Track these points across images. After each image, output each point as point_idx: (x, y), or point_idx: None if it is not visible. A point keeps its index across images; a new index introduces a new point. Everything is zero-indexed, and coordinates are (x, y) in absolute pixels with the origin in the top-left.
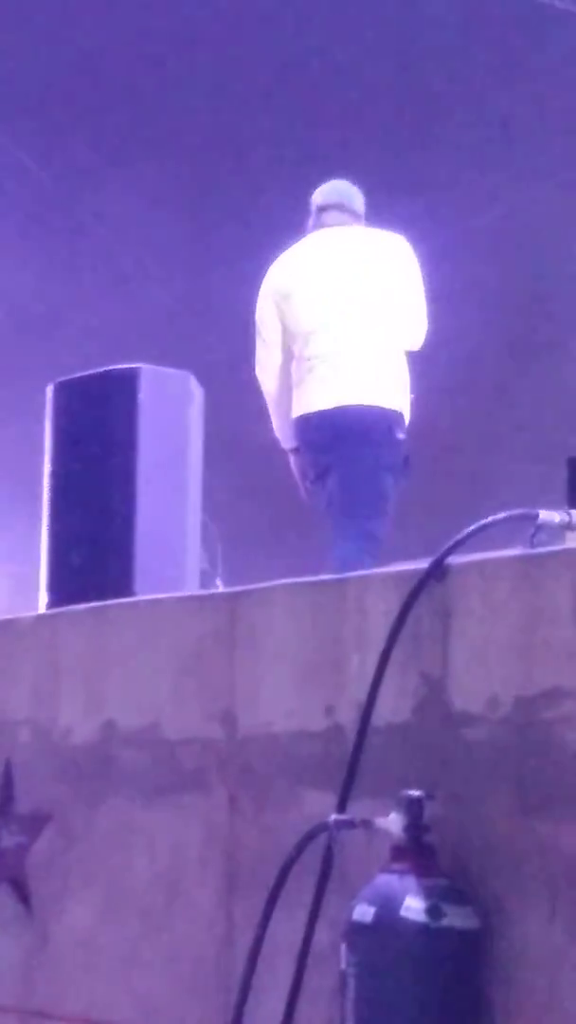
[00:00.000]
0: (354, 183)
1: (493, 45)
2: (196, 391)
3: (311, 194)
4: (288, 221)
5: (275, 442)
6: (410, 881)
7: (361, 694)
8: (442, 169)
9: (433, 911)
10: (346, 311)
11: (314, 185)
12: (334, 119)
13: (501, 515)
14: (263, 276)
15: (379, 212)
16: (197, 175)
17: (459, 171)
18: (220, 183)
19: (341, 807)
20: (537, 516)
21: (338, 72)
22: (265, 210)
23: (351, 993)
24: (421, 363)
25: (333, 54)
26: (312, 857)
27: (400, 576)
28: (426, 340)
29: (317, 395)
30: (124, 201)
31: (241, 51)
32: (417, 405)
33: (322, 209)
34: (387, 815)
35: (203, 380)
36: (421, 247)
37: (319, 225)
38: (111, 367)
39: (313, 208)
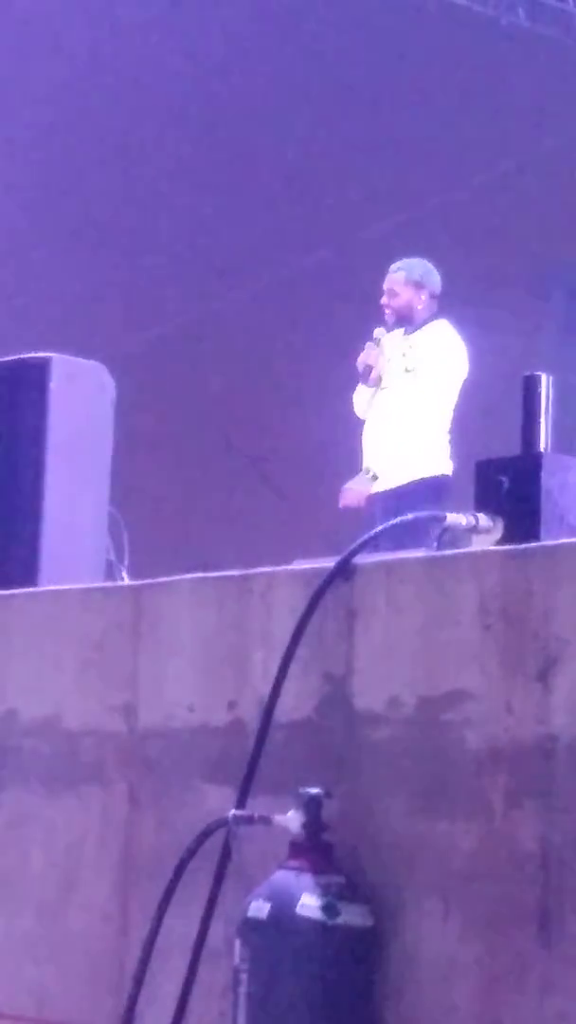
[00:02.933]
0: None
1: None
2: (107, 382)
3: None
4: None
5: (183, 435)
6: (306, 879)
7: (264, 690)
8: None
9: (328, 909)
10: None
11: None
12: None
13: (409, 516)
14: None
15: None
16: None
17: None
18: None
19: (240, 803)
20: (444, 519)
21: None
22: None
23: (244, 989)
24: None
25: None
26: (210, 852)
27: (307, 574)
28: None
29: None
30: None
31: None
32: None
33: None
34: (286, 812)
35: (114, 372)
36: None
37: None
38: (22, 355)
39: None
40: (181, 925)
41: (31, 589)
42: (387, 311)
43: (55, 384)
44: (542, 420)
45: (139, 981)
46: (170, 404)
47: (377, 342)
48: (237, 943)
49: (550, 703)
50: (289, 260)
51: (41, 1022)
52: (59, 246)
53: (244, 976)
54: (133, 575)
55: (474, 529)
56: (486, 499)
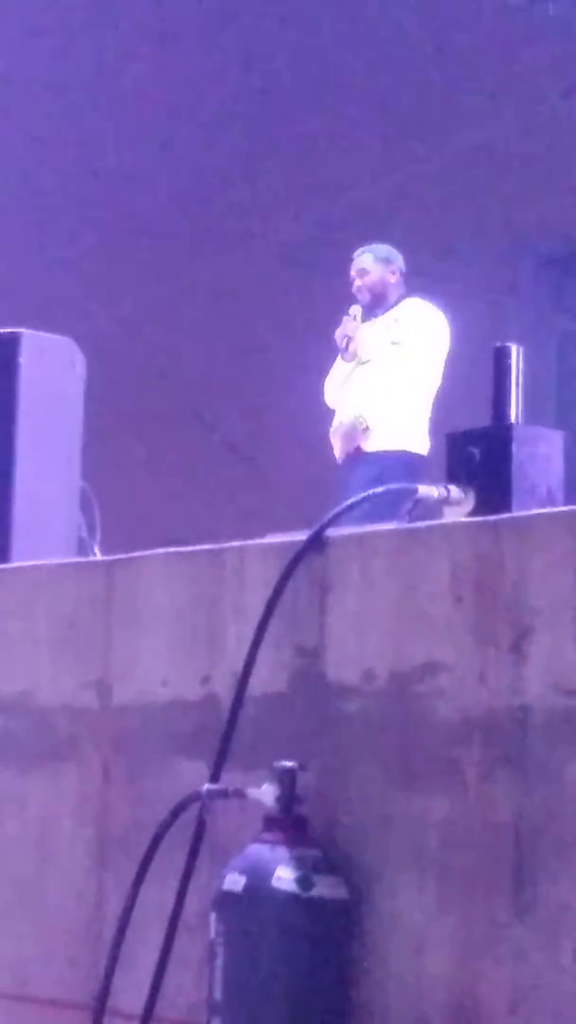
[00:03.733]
0: None
1: None
2: (78, 358)
3: None
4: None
5: (154, 410)
6: (281, 851)
7: (237, 664)
8: None
9: (303, 881)
10: None
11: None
12: None
13: (380, 488)
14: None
15: None
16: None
17: None
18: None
19: (215, 777)
20: (416, 491)
21: None
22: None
23: (220, 962)
24: None
25: None
26: (185, 826)
27: (279, 547)
28: None
29: None
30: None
31: None
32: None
33: None
34: (260, 785)
35: (84, 347)
36: None
37: None
38: None
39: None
40: (157, 899)
41: (2, 566)
42: (360, 293)
43: (25, 359)
44: (513, 391)
45: (115, 955)
46: (140, 379)
47: (354, 316)
48: (212, 916)
49: (523, 674)
50: (264, 234)
51: (19, 997)
52: (27, 220)
53: (220, 949)
54: (105, 551)
55: (446, 501)
56: (457, 471)
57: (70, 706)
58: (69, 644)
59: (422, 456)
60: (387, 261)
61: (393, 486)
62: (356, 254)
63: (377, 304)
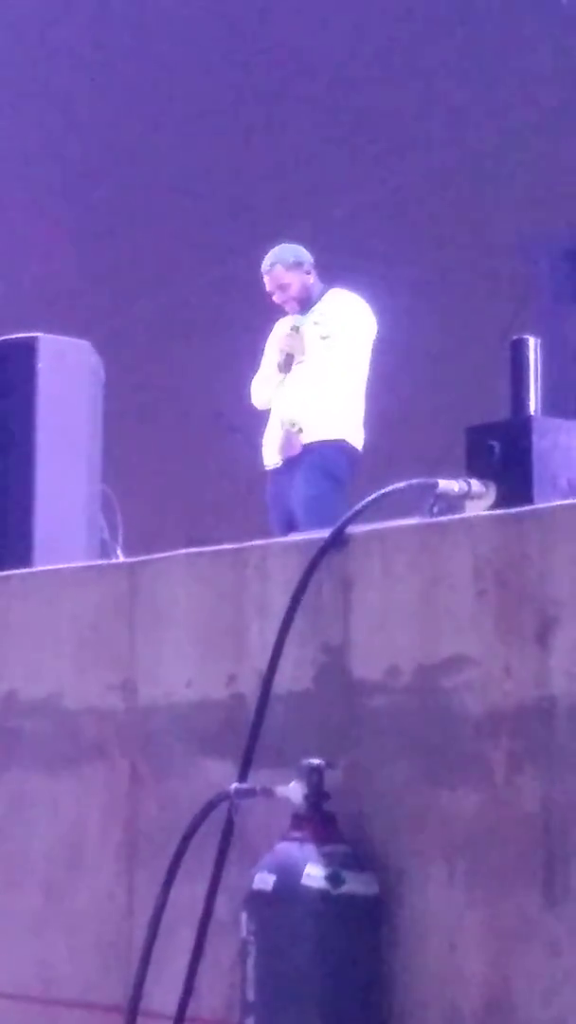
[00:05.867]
0: None
1: None
2: (95, 360)
3: None
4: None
5: (175, 413)
6: (310, 849)
7: (262, 663)
8: None
9: (333, 878)
10: None
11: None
12: None
13: (401, 484)
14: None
15: None
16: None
17: None
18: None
19: (242, 776)
20: (436, 485)
21: None
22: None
23: (252, 961)
24: None
25: None
26: (213, 826)
27: (301, 545)
28: None
29: None
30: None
31: None
32: None
33: None
34: (288, 783)
35: (101, 349)
36: None
37: None
38: (9, 336)
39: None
40: (187, 900)
41: (26, 570)
42: (288, 304)
43: (43, 364)
44: (531, 383)
45: (146, 958)
46: (160, 379)
47: (297, 330)
48: (243, 916)
49: (548, 665)
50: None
51: (49, 1001)
52: (41, 227)
53: (252, 948)
54: (127, 552)
55: (467, 495)
56: (478, 464)
57: (96, 708)
58: (93, 646)
59: (358, 449)
60: (298, 264)
61: (415, 481)
62: (264, 268)
63: (304, 307)
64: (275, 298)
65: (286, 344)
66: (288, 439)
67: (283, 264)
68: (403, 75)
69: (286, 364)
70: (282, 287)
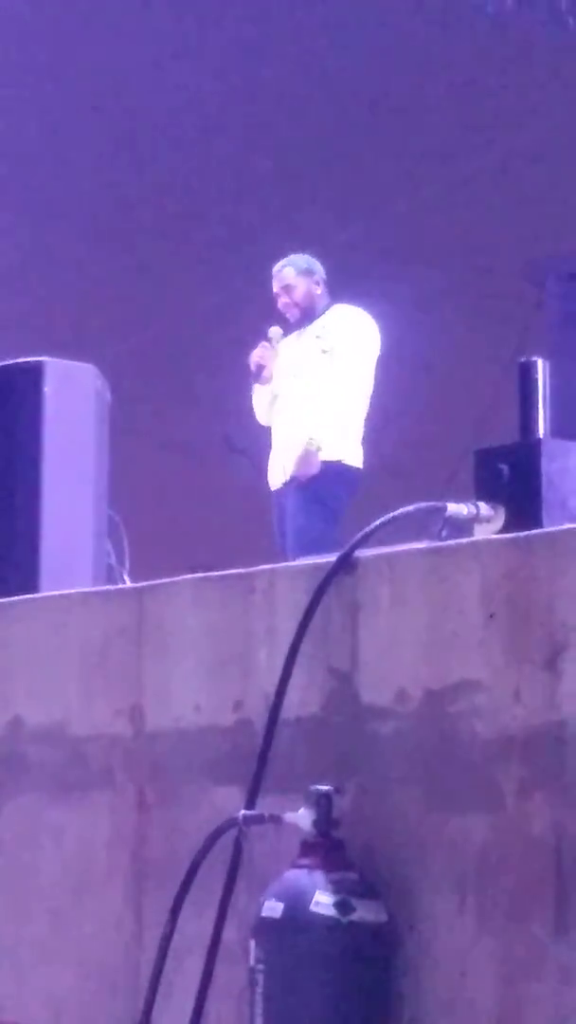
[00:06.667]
0: None
1: None
2: (101, 384)
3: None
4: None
5: (181, 437)
6: (319, 876)
7: (270, 688)
8: None
9: (342, 905)
10: None
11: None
12: None
13: (410, 507)
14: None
15: None
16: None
17: None
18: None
19: (250, 803)
20: (445, 509)
21: None
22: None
23: (260, 989)
24: None
25: None
26: (221, 853)
27: (309, 569)
28: None
29: None
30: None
31: None
32: None
33: None
34: (296, 810)
35: (108, 373)
36: None
37: None
38: (15, 360)
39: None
40: (195, 927)
41: (32, 596)
42: (289, 310)
43: (49, 388)
44: (539, 406)
45: (155, 985)
46: (166, 404)
47: (272, 341)
48: (252, 943)
49: (558, 690)
50: (276, 257)
51: None
52: (46, 250)
53: (260, 976)
54: (134, 578)
55: (475, 518)
56: (486, 487)
57: (103, 734)
58: (100, 672)
59: (358, 469)
60: (309, 272)
61: (423, 504)
62: (276, 269)
63: (305, 318)
64: (279, 302)
65: (257, 355)
66: (307, 458)
67: (295, 267)
68: (411, 95)
69: (256, 375)
70: (287, 288)
